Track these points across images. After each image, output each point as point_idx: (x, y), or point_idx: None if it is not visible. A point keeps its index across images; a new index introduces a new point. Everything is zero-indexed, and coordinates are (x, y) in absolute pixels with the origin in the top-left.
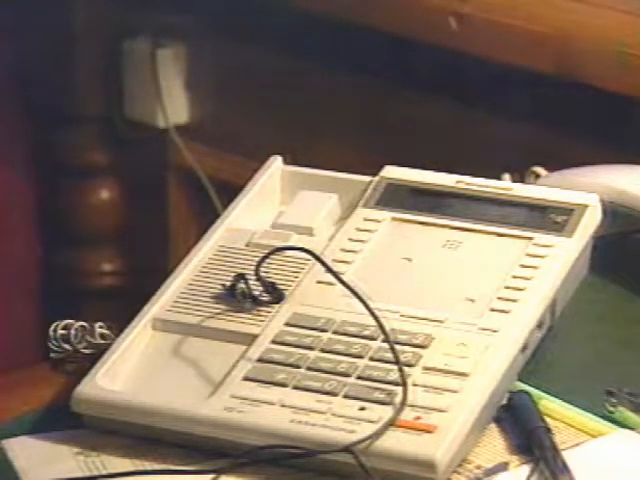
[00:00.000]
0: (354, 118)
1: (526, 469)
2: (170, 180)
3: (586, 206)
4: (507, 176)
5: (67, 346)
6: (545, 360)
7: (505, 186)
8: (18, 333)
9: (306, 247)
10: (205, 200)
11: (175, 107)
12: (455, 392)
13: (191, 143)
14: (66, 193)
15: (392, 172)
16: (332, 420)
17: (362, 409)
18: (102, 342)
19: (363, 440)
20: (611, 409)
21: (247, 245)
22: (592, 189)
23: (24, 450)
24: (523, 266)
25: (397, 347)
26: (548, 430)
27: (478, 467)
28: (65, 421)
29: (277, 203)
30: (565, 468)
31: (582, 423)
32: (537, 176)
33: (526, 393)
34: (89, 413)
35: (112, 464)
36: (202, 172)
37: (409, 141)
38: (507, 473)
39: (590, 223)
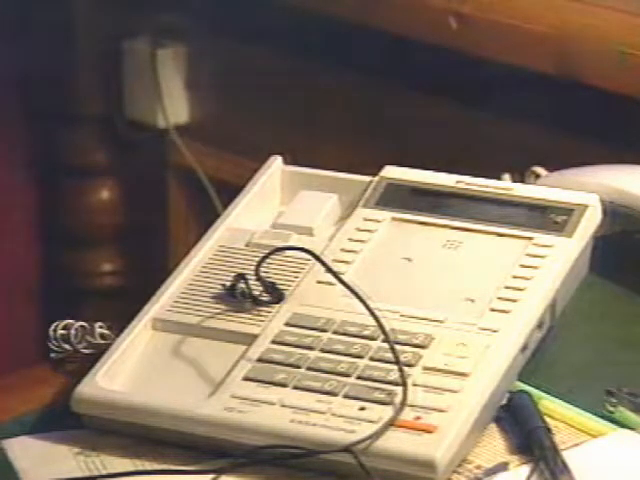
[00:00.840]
0: (354, 118)
1: (526, 469)
2: (170, 180)
3: (586, 206)
4: (507, 176)
5: (67, 346)
6: (545, 360)
7: (505, 186)
8: (18, 333)
9: (306, 247)
10: (205, 200)
11: (175, 107)
12: (455, 392)
13: (191, 143)
14: (66, 193)
15: (392, 172)
16: (332, 420)
17: (362, 409)
18: (102, 342)
19: (363, 440)
20: (611, 409)
21: (247, 245)
22: (592, 189)
23: (24, 450)
24: (523, 266)
25: (397, 347)
26: (548, 430)
27: (478, 467)
28: (65, 421)
29: (277, 203)
30: (565, 468)
31: (582, 423)
32: (537, 176)
33: (526, 393)
34: (89, 413)
35: (112, 464)
36: (202, 172)
37: (409, 141)
38: (507, 473)
39: (590, 223)
